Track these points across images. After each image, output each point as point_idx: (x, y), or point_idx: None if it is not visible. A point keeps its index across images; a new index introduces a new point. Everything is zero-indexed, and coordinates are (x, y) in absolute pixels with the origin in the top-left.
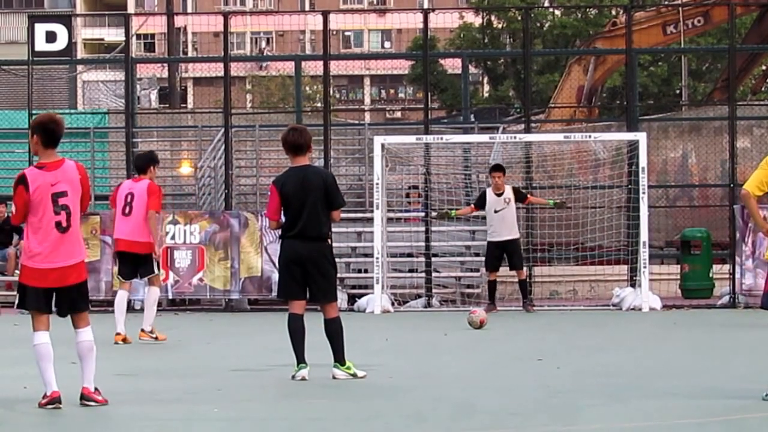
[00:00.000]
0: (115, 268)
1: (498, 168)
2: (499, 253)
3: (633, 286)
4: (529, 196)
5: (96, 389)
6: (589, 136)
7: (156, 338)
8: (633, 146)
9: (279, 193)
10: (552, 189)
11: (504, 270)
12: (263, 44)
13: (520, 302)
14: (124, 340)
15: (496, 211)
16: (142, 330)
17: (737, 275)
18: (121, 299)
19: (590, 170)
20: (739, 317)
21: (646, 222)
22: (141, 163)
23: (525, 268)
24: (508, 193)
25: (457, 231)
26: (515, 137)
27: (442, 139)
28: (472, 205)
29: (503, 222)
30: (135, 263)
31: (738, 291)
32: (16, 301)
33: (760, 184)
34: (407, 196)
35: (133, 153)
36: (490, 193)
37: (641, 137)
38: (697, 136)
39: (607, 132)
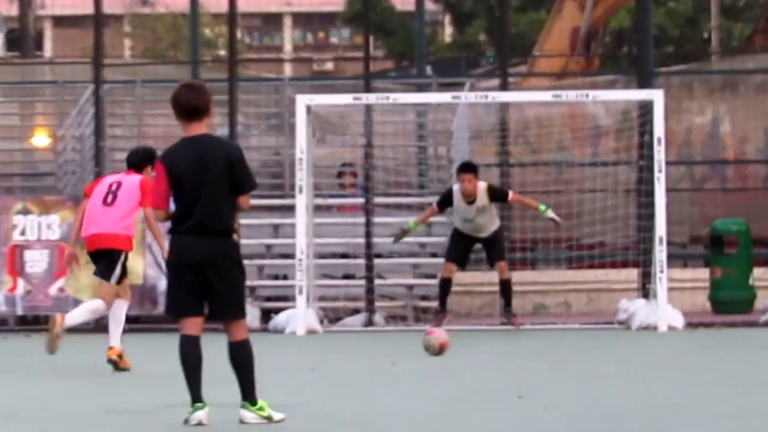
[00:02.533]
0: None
1: (468, 168)
2: (467, 244)
3: (646, 296)
4: (512, 194)
5: None
6: (587, 96)
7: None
8: (646, 109)
9: (168, 172)
10: (536, 167)
11: (472, 276)
12: None
13: (497, 316)
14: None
15: (466, 220)
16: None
17: None
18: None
19: (588, 141)
20: None
21: (664, 211)
22: (137, 160)
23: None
24: (482, 199)
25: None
26: (487, 97)
27: (388, 99)
28: (434, 205)
29: (476, 229)
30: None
31: None
32: None
33: None
34: (339, 176)
35: None
36: (458, 197)
37: (657, 97)
38: (732, 96)
39: (611, 90)
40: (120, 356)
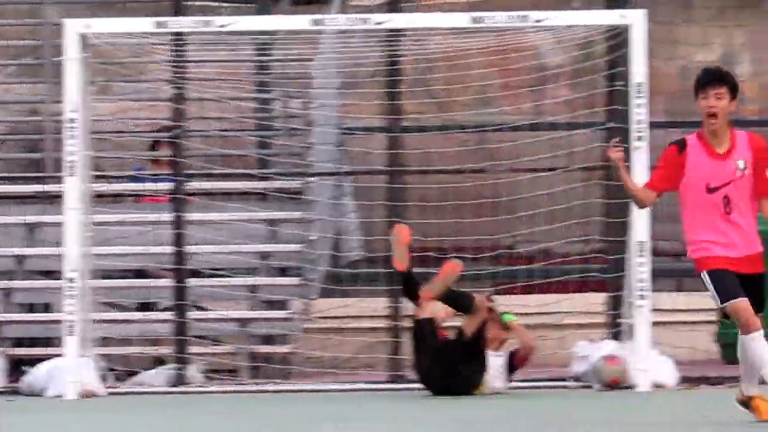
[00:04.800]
0: None
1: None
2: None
3: (617, 337)
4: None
5: None
6: (525, 19)
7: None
8: (617, 38)
9: None
10: (445, 133)
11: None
12: None
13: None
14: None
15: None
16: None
17: None
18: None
19: (527, 92)
20: None
21: None
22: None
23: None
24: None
25: (243, 220)
26: (367, 21)
27: (209, 25)
28: None
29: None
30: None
31: None
32: None
33: None
34: (153, 147)
35: None
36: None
37: (635, 20)
38: (754, 17)
39: (563, 10)
40: None
